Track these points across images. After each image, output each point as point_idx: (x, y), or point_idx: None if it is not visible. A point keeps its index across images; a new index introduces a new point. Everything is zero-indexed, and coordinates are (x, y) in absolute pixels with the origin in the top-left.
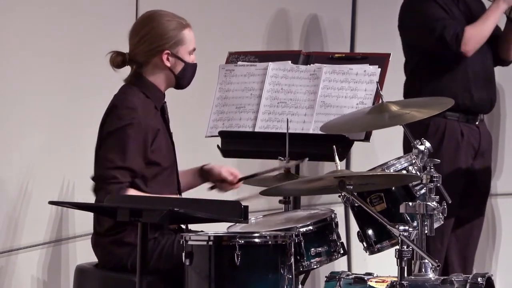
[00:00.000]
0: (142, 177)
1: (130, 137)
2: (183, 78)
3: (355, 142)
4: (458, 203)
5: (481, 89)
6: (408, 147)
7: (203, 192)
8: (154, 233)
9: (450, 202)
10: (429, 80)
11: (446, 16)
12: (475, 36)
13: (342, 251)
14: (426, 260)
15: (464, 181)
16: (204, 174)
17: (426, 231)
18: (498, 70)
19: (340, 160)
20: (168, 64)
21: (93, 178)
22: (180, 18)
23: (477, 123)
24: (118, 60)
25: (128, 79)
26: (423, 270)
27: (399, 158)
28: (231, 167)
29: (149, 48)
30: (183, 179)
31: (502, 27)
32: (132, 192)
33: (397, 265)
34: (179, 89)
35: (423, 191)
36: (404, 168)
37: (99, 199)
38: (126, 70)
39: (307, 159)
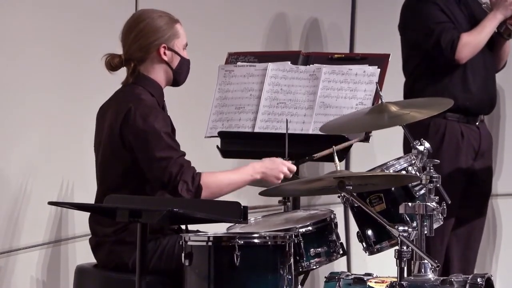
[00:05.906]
0: None
1: (162, 128)
2: (180, 73)
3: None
4: (459, 203)
5: (481, 90)
6: (408, 148)
7: None
8: (155, 234)
9: (449, 203)
10: (429, 81)
11: (447, 19)
12: (470, 44)
13: (341, 252)
14: (426, 261)
15: (464, 182)
16: None
17: (425, 232)
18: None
19: (340, 160)
20: (165, 58)
21: (163, 185)
22: (169, 14)
23: (477, 123)
24: (115, 62)
25: (128, 79)
26: (423, 270)
27: (398, 158)
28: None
29: (146, 42)
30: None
31: None
32: (207, 174)
33: (397, 265)
34: (176, 86)
35: (422, 191)
36: (404, 169)
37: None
38: (122, 71)
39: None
